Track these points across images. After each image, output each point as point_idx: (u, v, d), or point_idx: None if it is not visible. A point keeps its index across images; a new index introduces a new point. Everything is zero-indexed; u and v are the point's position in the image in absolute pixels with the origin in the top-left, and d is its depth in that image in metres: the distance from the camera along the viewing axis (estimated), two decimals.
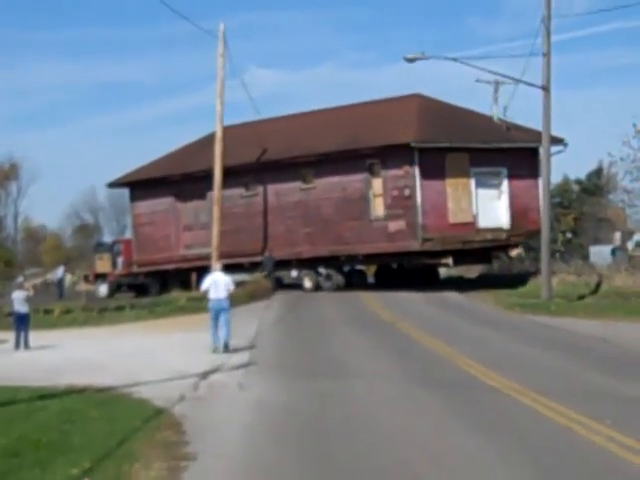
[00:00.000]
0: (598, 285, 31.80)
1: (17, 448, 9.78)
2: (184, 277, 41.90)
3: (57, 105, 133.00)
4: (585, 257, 45.19)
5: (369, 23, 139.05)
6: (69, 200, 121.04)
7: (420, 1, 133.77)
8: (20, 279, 27.32)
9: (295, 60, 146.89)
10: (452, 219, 36.03)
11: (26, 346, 22.38)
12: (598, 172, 59.31)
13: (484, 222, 36.42)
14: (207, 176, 38.94)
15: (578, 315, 25.33)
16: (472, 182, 36.44)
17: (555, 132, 30.68)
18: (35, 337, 22.80)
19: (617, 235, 49.72)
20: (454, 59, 31.05)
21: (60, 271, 49.97)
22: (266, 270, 37.93)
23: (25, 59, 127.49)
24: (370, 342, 20.85)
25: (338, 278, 39.00)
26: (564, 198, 57.32)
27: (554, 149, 33.09)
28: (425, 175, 35.59)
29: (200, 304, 28.15)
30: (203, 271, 28.17)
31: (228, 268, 22.77)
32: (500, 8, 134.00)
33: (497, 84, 36.64)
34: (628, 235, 50.51)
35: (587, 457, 8.95)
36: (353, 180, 37.52)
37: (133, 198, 46.62)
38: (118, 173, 47.45)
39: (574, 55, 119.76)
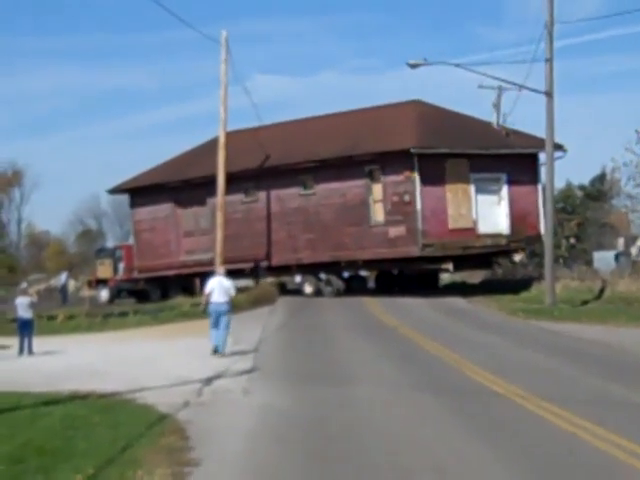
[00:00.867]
0: (602, 291, 31.77)
1: (21, 454, 9.77)
2: (185, 283, 42.02)
3: (60, 111, 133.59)
4: (589, 263, 45.22)
5: (372, 29, 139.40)
6: (72, 206, 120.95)
7: (423, 7, 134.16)
8: (24, 285, 27.24)
9: (298, 66, 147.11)
10: (452, 225, 36.12)
11: (30, 352, 22.37)
12: (601, 178, 59.29)
13: (484, 228, 36.50)
14: (207, 182, 39.08)
15: (581, 321, 25.31)
16: (472, 188, 36.54)
17: (558, 137, 30.72)
18: (39, 343, 22.79)
19: (620, 241, 49.76)
20: (457, 65, 31.13)
21: (63, 277, 50.04)
22: (254, 277, 37.72)
23: (28, 66, 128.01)
24: (374, 348, 20.83)
25: (338, 283, 39.06)
26: (567, 204, 57.27)
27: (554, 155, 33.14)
28: (425, 181, 35.68)
29: (200, 309, 28.14)
30: (205, 277, 28.18)
31: (228, 274, 22.81)
32: (502, 14, 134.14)
33: (500, 90, 36.69)
34: (631, 240, 50.52)
35: (591, 463, 8.93)
36: (353, 186, 37.59)
37: (133, 204, 46.70)
38: (121, 179, 47.56)
39: (577, 61, 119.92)
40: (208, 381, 15.81)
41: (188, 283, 41.25)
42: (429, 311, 30.94)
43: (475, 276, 46.97)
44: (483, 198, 36.67)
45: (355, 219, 37.37)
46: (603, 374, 15.12)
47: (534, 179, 37.73)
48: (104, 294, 46.61)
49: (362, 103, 60.45)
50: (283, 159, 39.35)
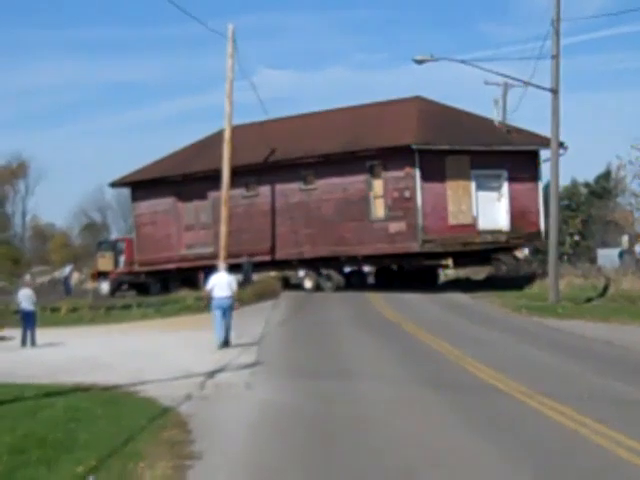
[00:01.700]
0: (605, 288, 31.74)
1: (23, 445, 9.78)
2: (185, 277, 42.13)
3: (65, 104, 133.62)
4: (593, 260, 45.13)
5: (378, 25, 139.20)
6: (77, 199, 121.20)
7: (429, 3, 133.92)
8: (27, 277, 27.32)
9: (304, 61, 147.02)
10: (452, 221, 36.20)
11: (33, 344, 22.43)
12: (606, 175, 59.14)
13: (484, 224, 36.56)
14: (208, 177, 39.21)
15: (585, 318, 25.28)
16: (472, 184, 36.62)
17: (563, 135, 30.66)
18: (42, 335, 22.84)
19: (625, 238, 49.59)
20: (463, 61, 31.06)
21: (67, 269, 50.14)
22: (244, 274, 37.67)
23: (33, 58, 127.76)
24: (376, 343, 20.86)
25: (338, 279, 39.15)
26: (572, 201, 57.16)
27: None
28: (425, 177, 35.75)
29: (204, 303, 28.20)
30: (207, 270, 28.24)
31: (230, 268, 22.91)
32: (509, 11, 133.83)
33: (506, 86, 36.65)
34: (636, 238, 50.38)
35: (593, 460, 8.92)
36: (354, 181, 37.64)
37: (135, 198, 46.73)
38: (126, 172, 47.56)
39: (583, 58, 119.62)
40: (211, 375, 15.83)
41: (189, 277, 41.35)
42: (432, 307, 30.95)
43: (479, 272, 46.95)
44: (483, 195, 36.74)
45: (356, 214, 37.43)
46: (605, 372, 15.11)
47: (534, 176, 37.85)
48: (105, 287, 46.74)
49: (368, 98, 60.22)
50: (284, 154, 39.39)
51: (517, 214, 37.05)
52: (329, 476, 8.74)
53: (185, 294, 36.62)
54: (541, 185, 38.39)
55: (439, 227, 35.95)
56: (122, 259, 47.24)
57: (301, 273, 40.44)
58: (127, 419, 11.47)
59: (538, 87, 30.51)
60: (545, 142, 35.87)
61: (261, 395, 13.65)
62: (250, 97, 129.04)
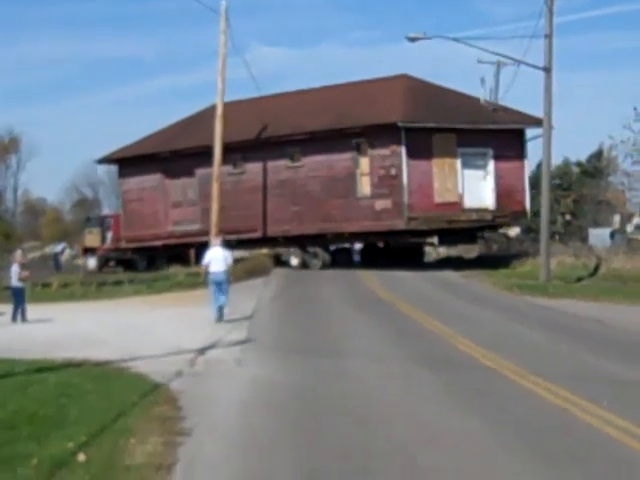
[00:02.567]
0: (596, 268, 31.84)
1: (13, 421, 9.76)
2: (172, 254, 42.16)
3: (58, 79, 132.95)
4: (584, 239, 45.27)
5: (373, 2, 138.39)
6: (69, 174, 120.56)
7: None
8: (18, 252, 27.17)
9: (297, 38, 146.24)
10: (438, 199, 36.34)
11: (23, 319, 22.38)
12: (598, 155, 59.18)
13: (469, 202, 36.69)
14: (196, 153, 39.23)
15: (576, 297, 25.36)
16: (458, 162, 36.78)
17: (555, 114, 30.62)
18: (33, 310, 22.79)
19: (616, 218, 49.75)
20: (455, 39, 31.03)
21: (60, 247, 50.13)
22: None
23: (25, 33, 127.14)
24: (368, 320, 20.88)
25: (325, 256, 39.22)
26: (564, 180, 57.24)
27: (538, 132, 33.30)
28: (411, 155, 35.81)
29: (198, 280, 28.21)
30: (195, 248, 28.25)
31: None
32: None
33: (499, 65, 36.55)
34: (627, 218, 50.53)
35: (583, 439, 8.95)
36: (340, 159, 37.72)
37: (122, 174, 46.66)
38: (117, 147, 47.35)
39: (576, 37, 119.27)
40: (202, 351, 15.82)
41: (176, 253, 41.42)
42: (423, 285, 31.01)
43: (471, 251, 47.03)
44: (469, 173, 36.84)
45: (342, 192, 37.51)
46: (596, 351, 15.15)
47: (520, 155, 38.01)
48: (92, 262, 46.75)
49: (361, 75, 60.09)
50: (271, 131, 39.37)
51: (503, 192, 37.16)
52: (319, 451, 8.75)
53: (176, 270, 36.62)
54: (527, 164, 38.53)
55: (425, 205, 36.06)
56: (109, 235, 47.21)
57: (291, 250, 40.51)
58: (118, 395, 11.46)
59: (531, 66, 30.48)
60: (531, 121, 36.00)
61: (252, 372, 13.65)
62: (241, 73, 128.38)
